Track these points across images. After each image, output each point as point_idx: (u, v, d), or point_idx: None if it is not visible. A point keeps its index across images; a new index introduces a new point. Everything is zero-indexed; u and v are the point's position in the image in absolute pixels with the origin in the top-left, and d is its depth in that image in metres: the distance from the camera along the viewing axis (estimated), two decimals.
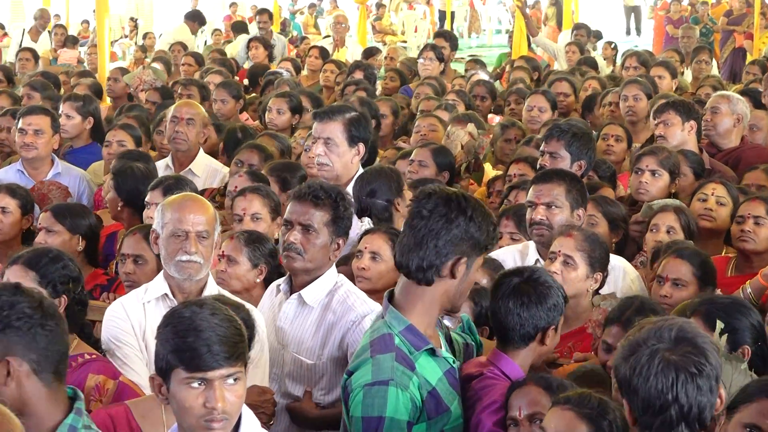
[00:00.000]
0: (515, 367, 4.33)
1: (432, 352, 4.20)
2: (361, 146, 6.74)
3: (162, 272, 5.22)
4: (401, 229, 4.34)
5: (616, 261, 5.74)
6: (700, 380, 3.34)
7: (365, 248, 5.73)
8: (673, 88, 11.00)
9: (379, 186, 6.47)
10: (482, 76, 12.10)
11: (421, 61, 12.73)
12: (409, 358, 4.12)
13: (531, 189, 5.88)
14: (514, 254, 5.82)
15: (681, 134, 7.82)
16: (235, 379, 3.65)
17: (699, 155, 7.65)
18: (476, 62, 14.24)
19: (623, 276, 5.79)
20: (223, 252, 5.78)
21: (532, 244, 5.91)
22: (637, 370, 3.39)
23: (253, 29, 19.84)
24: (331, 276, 5.27)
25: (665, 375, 3.34)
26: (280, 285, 5.36)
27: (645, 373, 3.37)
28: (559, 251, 5.35)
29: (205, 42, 19.60)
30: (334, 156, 6.67)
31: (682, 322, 3.45)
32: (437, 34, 14.86)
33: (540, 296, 4.37)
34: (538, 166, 6.93)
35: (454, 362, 4.33)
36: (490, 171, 8.48)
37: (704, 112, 8.36)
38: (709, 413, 3.40)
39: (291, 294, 5.27)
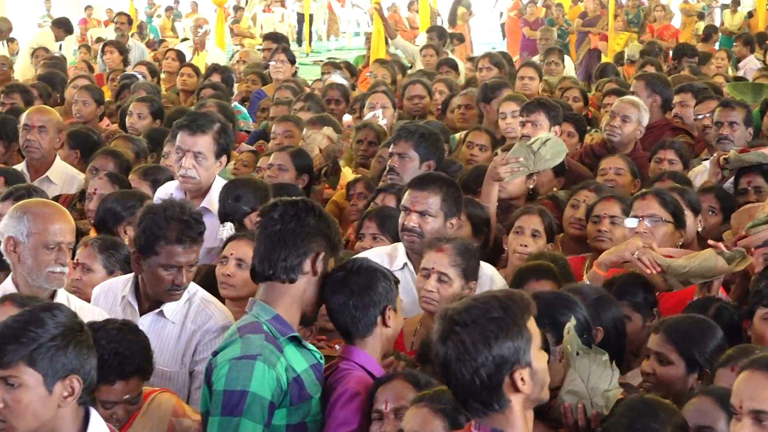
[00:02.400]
0: (367, 357, 4.41)
1: (299, 343, 4.27)
2: (224, 158, 6.73)
3: (9, 279, 5.14)
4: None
5: (485, 268, 5.71)
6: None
7: (231, 254, 5.64)
8: (540, 90, 11.11)
9: (245, 193, 6.45)
10: (336, 78, 12.04)
11: (272, 63, 12.64)
12: (277, 342, 4.19)
13: (407, 193, 5.84)
14: (382, 257, 5.75)
15: None
16: (10, 384, 3.57)
17: None
18: (333, 65, 14.21)
19: (490, 283, 5.72)
20: (77, 260, 5.67)
21: (400, 246, 5.88)
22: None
23: (110, 33, 19.58)
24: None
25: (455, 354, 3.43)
26: (125, 295, 5.26)
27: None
28: (433, 268, 5.28)
29: (60, 46, 19.25)
30: (202, 169, 6.60)
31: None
32: (265, 37, 14.75)
33: (368, 283, 4.42)
34: (387, 167, 6.97)
35: (321, 358, 4.39)
36: (348, 174, 8.44)
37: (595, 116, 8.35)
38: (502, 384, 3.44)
39: (140, 306, 5.22)
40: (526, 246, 6.15)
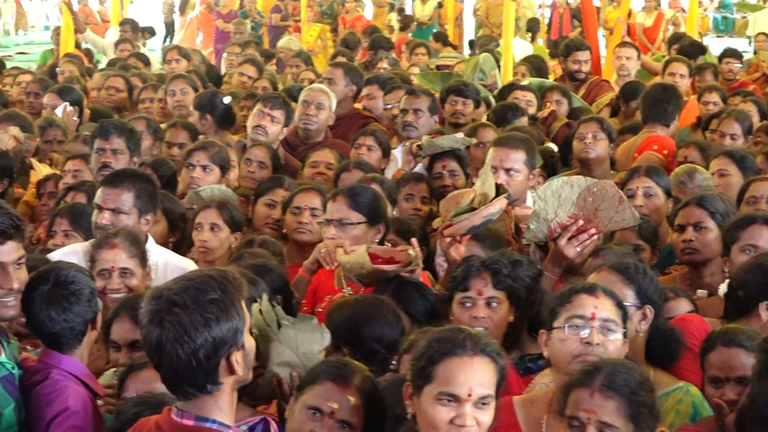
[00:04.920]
0: (77, 364, 4.34)
1: None
2: None
3: None
4: None
5: (185, 264, 5.77)
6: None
7: None
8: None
9: None
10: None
11: None
12: None
13: (99, 191, 5.79)
14: (78, 254, 5.60)
15: (274, 132, 8.06)
16: None
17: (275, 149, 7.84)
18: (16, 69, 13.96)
19: (164, 268, 5.74)
20: None
21: None
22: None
23: None
24: None
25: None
26: None
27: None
28: (112, 267, 5.25)
29: None
30: None
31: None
32: None
33: (75, 294, 4.35)
34: (99, 164, 6.90)
35: (13, 368, 4.24)
36: (45, 170, 8.24)
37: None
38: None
39: None
40: (206, 241, 6.20)
